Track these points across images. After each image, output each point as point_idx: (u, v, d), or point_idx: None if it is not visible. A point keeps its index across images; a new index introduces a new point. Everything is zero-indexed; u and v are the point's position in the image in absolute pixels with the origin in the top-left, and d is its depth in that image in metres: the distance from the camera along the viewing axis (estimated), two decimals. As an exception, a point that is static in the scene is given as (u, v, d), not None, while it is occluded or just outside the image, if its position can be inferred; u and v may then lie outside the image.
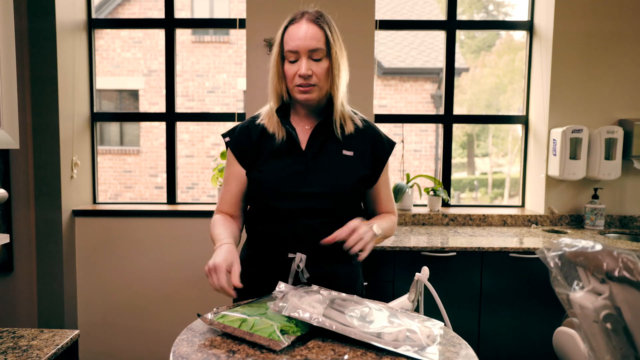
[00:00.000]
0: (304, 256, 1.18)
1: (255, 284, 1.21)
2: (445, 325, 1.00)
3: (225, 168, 1.30)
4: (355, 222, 1.12)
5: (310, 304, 0.93)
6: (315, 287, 1.06)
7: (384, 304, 1.03)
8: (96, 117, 2.75)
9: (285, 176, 1.20)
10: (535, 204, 2.77)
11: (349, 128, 1.25)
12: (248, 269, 1.27)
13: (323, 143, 1.23)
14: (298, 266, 1.18)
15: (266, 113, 1.28)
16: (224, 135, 1.30)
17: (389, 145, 1.31)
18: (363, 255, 1.11)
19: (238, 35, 7.61)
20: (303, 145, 1.23)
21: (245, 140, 1.25)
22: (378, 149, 1.28)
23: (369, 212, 1.36)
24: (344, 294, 1.04)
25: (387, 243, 2.13)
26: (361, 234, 1.10)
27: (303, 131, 1.26)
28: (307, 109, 1.26)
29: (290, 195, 1.19)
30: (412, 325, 0.91)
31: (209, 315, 0.93)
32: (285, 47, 1.19)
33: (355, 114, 1.31)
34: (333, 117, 1.23)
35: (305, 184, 1.19)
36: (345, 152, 1.23)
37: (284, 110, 1.26)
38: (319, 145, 1.22)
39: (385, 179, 1.32)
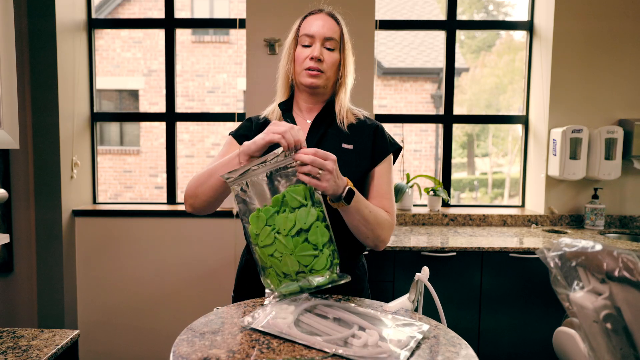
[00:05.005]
0: None
1: (254, 292, 1.20)
2: (441, 324, 0.99)
3: (221, 151, 1.25)
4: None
5: (281, 315, 0.92)
6: (304, 295, 1.06)
7: (365, 308, 1.01)
8: (96, 117, 2.75)
9: None
10: (535, 204, 2.77)
11: (349, 119, 1.25)
12: (247, 276, 1.26)
13: (322, 136, 1.23)
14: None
15: (270, 111, 1.31)
16: (230, 132, 1.32)
17: (392, 144, 1.28)
18: (306, 178, 0.96)
19: (238, 35, 7.61)
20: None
21: (248, 129, 1.28)
22: (378, 144, 1.25)
23: None
24: (330, 300, 1.03)
25: (388, 243, 2.12)
26: (312, 152, 0.96)
27: (304, 125, 1.26)
28: (310, 102, 1.26)
29: None
30: (385, 333, 0.89)
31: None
32: (301, 32, 1.22)
33: (359, 111, 1.32)
34: (335, 108, 1.24)
35: None
36: (344, 146, 1.22)
37: (287, 104, 1.28)
38: (318, 138, 1.22)
39: (384, 174, 1.24)
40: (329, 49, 1.21)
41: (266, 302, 1.01)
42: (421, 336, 0.90)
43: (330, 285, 1.00)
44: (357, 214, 1.09)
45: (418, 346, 0.87)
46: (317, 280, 0.99)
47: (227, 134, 1.33)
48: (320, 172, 0.95)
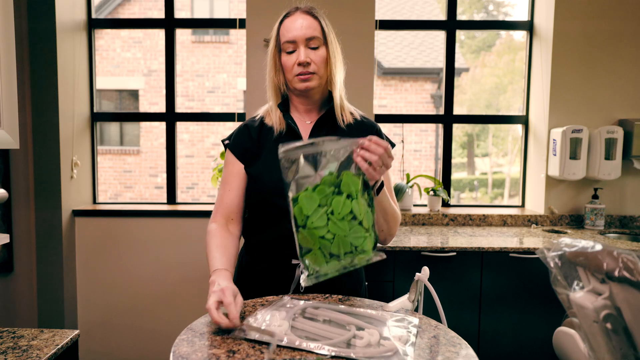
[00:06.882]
0: None
1: (255, 292, 1.19)
2: (441, 324, 0.99)
3: (224, 171, 1.27)
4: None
5: (275, 323, 0.91)
6: (286, 298, 1.05)
7: (365, 308, 1.01)
8: (96, 117, 2.75)
9: None
10: (535, 204, 2.77)
11: (348, 119, 1.25)
12: (247, 277, 1.26)
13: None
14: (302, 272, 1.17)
15: (265, 111, 1.28)
16: (223, 140, 1.30)
17: (390, 143, 1.29)
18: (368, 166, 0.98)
19: (238, 35, 7.61)
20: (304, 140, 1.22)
21: (245, 138, 1.25)
22: None
23: None
24: (317, 302, 1.03)
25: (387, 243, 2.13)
26: (385, 147, 0.99)
27: (304, 126, 1.25)
28: (306, 103, 1.25)
29: None
30: (383, 331, 0.89)
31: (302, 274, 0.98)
32: (282, 39, 1.20)
33: (356, 110, 1.31)
34: (334, 108, 1.23)
35: None
36: None
37: (284, 105, 1.26)
38: None
39: (388, 176, 1.28)
40: (313, 48, 1.18)
41: (302, 282, 0.98)
42: (415, 330, 0.91)
43: (365, 263, 1.01)
44: (380, 206, 1.15)
45: (414, 342, 0.88)
46: (360, 258, 0.99)
47: (222, 141, 1.30)
48: (381, 166, 0.99)
